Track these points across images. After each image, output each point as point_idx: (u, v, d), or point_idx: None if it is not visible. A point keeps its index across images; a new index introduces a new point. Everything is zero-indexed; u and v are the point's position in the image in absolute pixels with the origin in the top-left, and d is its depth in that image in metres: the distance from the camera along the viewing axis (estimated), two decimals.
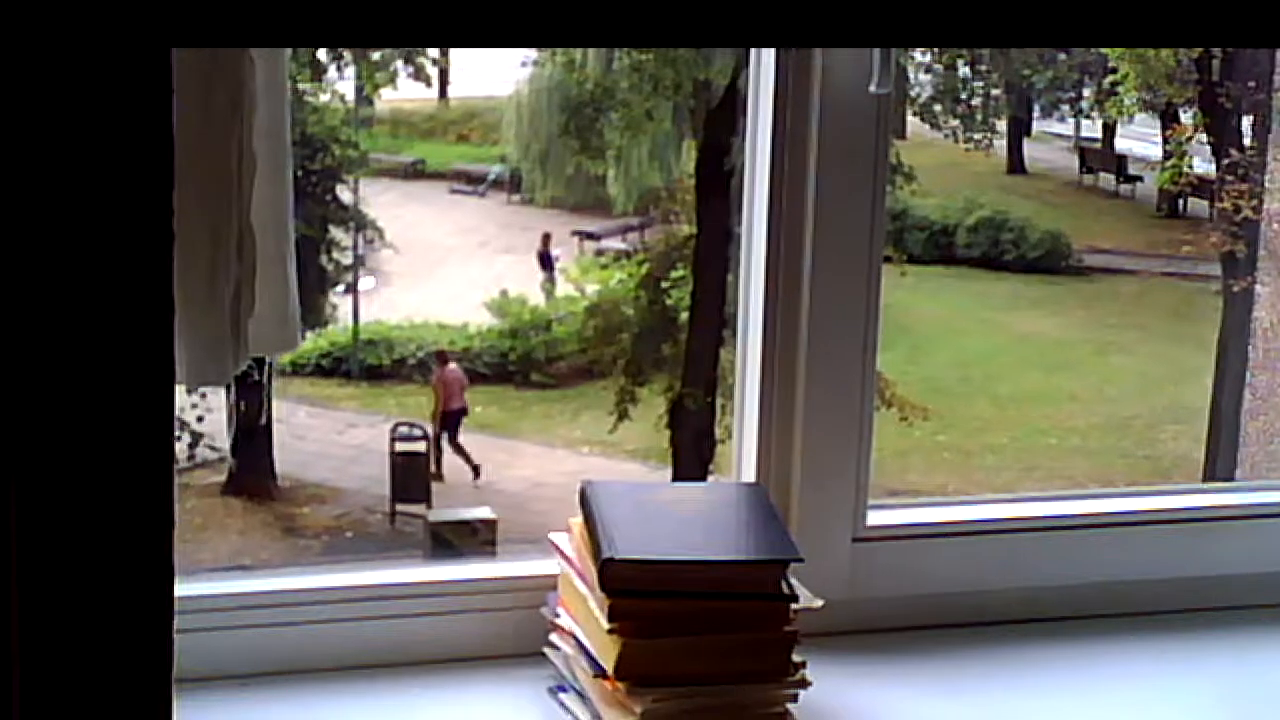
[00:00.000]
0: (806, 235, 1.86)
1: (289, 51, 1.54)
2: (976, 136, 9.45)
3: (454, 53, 10.52)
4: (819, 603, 1.71)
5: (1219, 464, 7.16)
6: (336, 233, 9.29)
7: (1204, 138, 8.39)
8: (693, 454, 8.45)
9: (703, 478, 8.00)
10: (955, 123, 9.35)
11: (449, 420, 9.11)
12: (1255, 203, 6.89)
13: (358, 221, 9.43)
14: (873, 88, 1.82)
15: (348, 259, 9.51)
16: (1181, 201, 9.73)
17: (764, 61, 1.87)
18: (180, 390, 1.40)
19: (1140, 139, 9.94)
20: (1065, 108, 10.32)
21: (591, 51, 8.72)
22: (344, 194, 9.34)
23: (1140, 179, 10.30)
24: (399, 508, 8.77)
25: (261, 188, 1.47)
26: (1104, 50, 8.44)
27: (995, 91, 9.66)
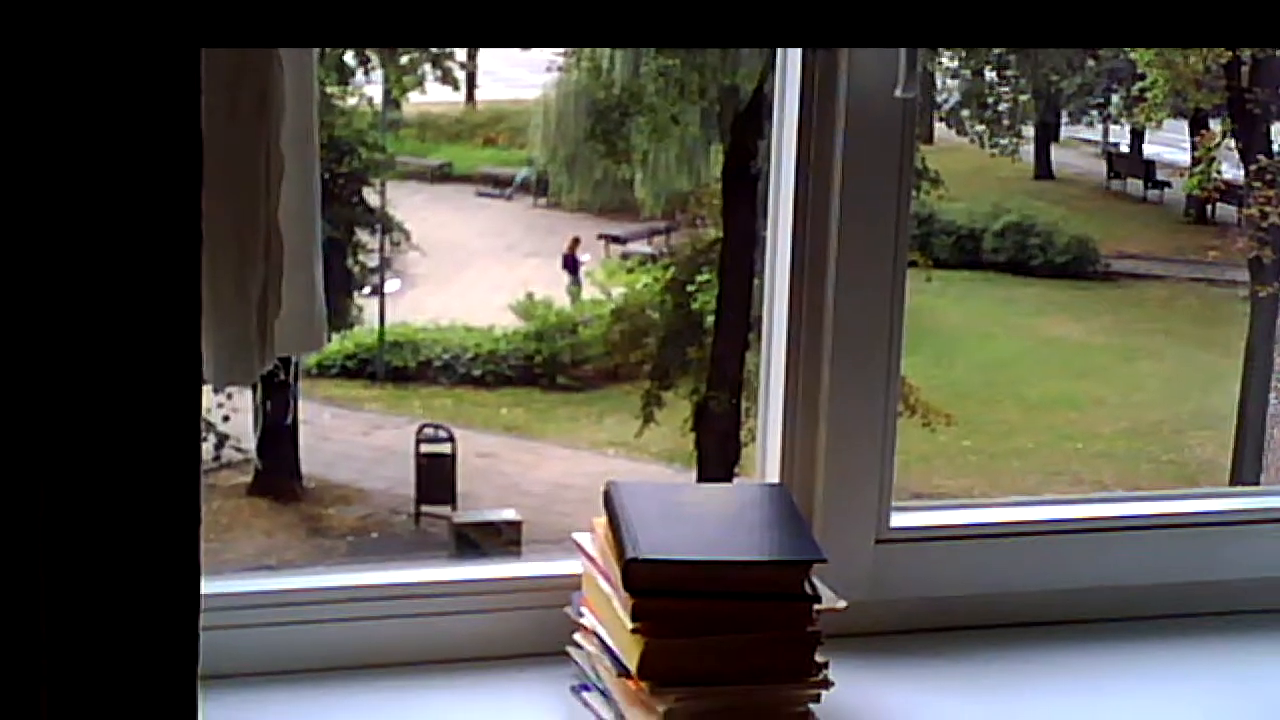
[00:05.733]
0: (831, 239, 1.87)
1: (317, 54, 1.55)
2: (1002, 142, 9.43)
3: (481, 56, 10.54)
4: (842, 604, 1.72)
5: (1245, 469, 7.14)
6: (363, 235, 9.33)
7: (1232, 144, 8.36)
8: (717, 456, 8.44)
9: (728, 480, 8.00)
10: (981, 128, 9.34)
11: None
12: None
13: (384, 224, 9.45)
14: (898, 91, 1.82)
15: (374, 261, 9.54)
16: (1209, 207, 9.70)
17: (790, 65, 1.88)
18: (206, 391, 1.41)
19: (1168, 145, 9.92)
20: (1094, 113, 10.30)
21: (618, 56, 8.73)
22: (371, 197, 9.36)
23: (1168, 184, 10.27)
24: (424, 509, 8.79)
25: (289, 189, 1.47)
26: (1132, 56, 8.42)
27: (1023, 97, 9.64)
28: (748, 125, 8.36)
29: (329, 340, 8.93)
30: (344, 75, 9.07)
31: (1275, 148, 7.85)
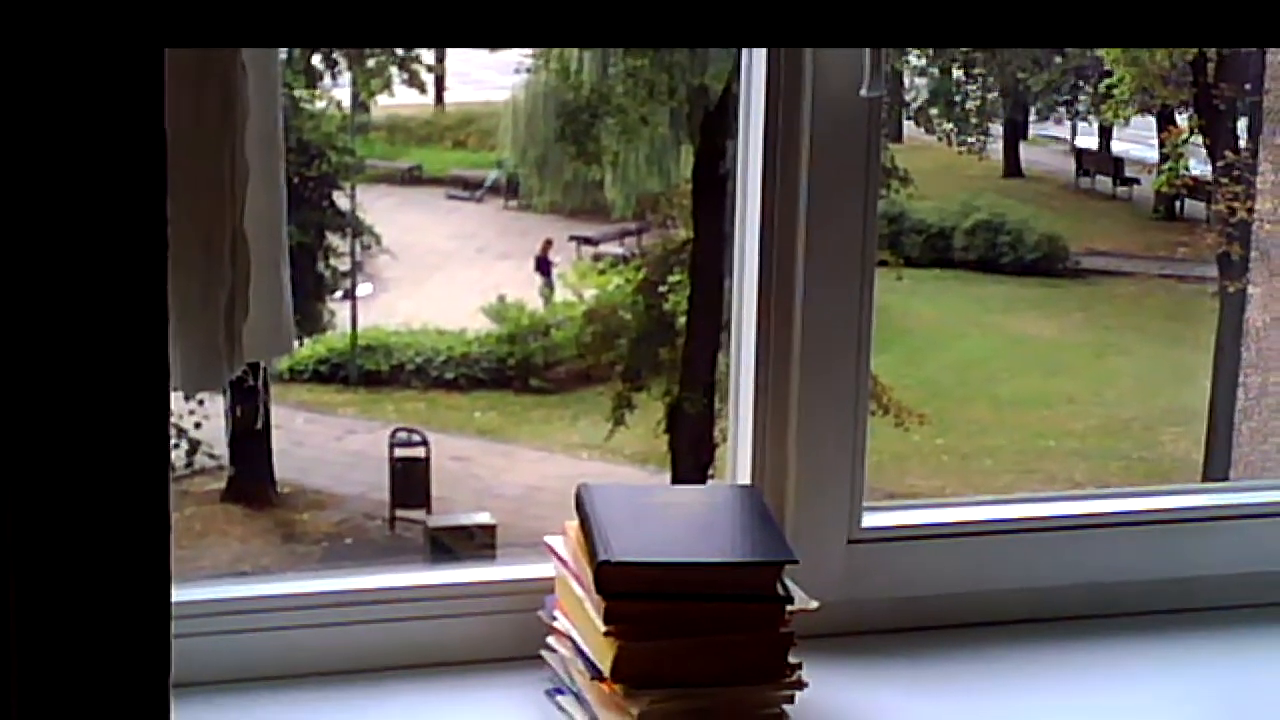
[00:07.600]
0: (799, 239, 1.87)
1: (281, 56, 1.54)
2: (971, 140, 9.45)
3: (449, 58, 10.53)
4: (814, 604, 1.72)
5: (1217, 465, 7.17)
6: (334, 239, 9.30)
7: (1200, 140, 8.39)
8: (691, 458, 8.45)
9: (702, 481, 8.00)
10: (950, 126, 9.36)
11: None
12: (1250, 204, 6.89)
13: (355, 227, 9.43)
14: (864, 91, 1.82)
15: (345, 265, 9.52)
16: (1178, 203, 9.73)
17: (755, 65, 1.88)
18: (178, 397, 1.40)
19: (1137, 142, 9.95)
20: (1061, 111, 10.33)
21: (586, 57, 8.73)
22: (341, 200, 9.34)
23: (1137, 181, 10.31)
24: (398, 513, 8.77)
25: (254, 194, 1.47)
26: (1099, 53, 8.45)
27: (991, 95, 9.66)
28: (717, 125, 8.37)
29: (298, 345, 8.93)
30: (312, 78, 9.06)
31: (1242, 143, 7.88)
